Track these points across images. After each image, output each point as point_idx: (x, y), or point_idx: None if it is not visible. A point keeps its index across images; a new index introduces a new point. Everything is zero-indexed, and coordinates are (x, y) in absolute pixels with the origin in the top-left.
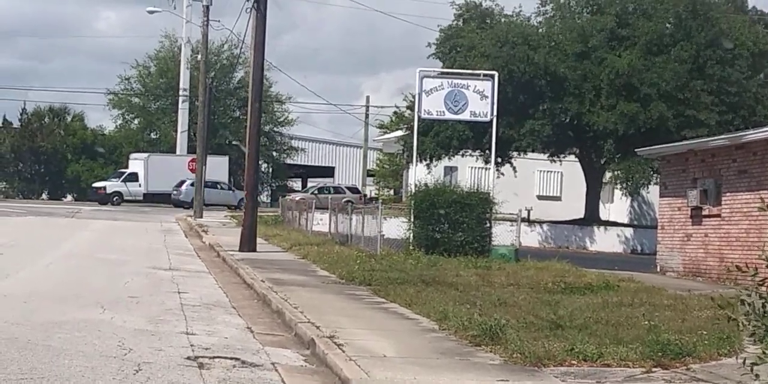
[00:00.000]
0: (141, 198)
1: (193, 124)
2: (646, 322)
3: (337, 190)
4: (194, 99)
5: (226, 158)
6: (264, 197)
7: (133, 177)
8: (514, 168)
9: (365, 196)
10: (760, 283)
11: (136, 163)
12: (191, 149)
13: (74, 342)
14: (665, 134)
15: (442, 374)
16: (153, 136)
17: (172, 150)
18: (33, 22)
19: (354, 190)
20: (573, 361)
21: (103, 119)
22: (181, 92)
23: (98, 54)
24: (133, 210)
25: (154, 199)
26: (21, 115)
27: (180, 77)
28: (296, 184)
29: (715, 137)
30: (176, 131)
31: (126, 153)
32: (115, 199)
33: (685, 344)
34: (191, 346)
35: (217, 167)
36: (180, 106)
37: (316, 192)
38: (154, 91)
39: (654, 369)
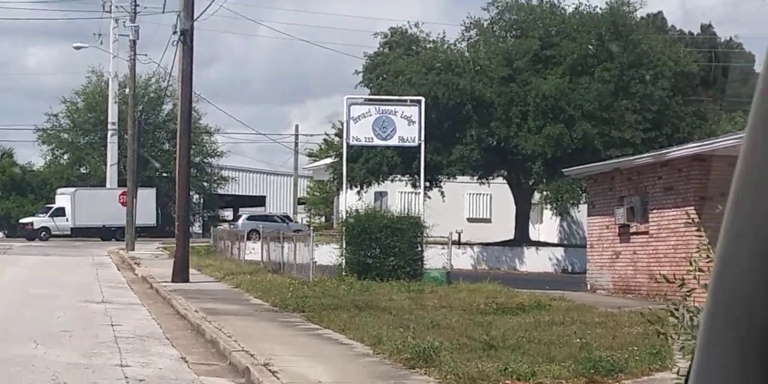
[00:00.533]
0: (69, 232)
1: (123, 158)
2: (578, 340)
3: (270, 218)
4: (123, 133)
5: (153, 190)
6: (196, 228)
7: (60, 212)
8: (442, 193)
9: (296, 223)
10: (688, 294)
11: (62, 198)
12: (122, 182)
13: (8, 378)
14: (592, 154)
15: None
16: (83, 170)
17: (102, 184)
18: None
19: (285, 218)
20: (507, 381)
21: (33, 156)
22: (109, 126)
23: (27, 91)
24: (63, 245)
25: (81, 233)
26: None
27: (108, 112)
28: (228, 213)
29: (640, 155)
30: (106, 165)
31: (56, 188)
32: (42, 234)
33: (617, 360)
34: (126, 378)
35: (145, 199)
36: (109, 140)
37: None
38: (83, 126)
39: None
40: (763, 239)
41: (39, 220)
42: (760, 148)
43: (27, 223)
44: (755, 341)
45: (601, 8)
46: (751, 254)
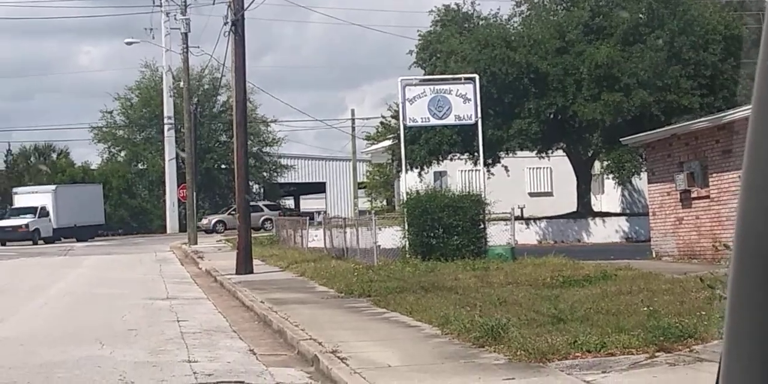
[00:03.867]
0: (51, 234)
1: (181, 151)
2: (646, 308)
3: (255, 208)
4: (179, 126)
5: (100, 186)
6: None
7: (44, 212)
8: (505, 168)
9: (284, 210)
10: None
11: (36, 197)
12: (181, 177)
13: (74, 380)
14: (650, 122)
15: (449, 378)
16: (140, 166)
17: (160, 179)
18: (13, 63)
19: (273, 206)
20: (577, 354)
21: (90, 154)
22: (165, 120)
23: (81, 89)
24: (125, 242)
25: (63, 233)
26: (6, 156)
27: (164, 106)
28: (289, 202)
29: (697, 120)
30: (164, 160)
31: (116, 186)
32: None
33: (685, 327)
34: (194, 373)
35: (90, 196)
36: (166, 134)
37: (233, 212)
38: (138, 122)
39: (657, 353)
40: None
41: (33, 222)
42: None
43: (20, 226)
44: None
45: None
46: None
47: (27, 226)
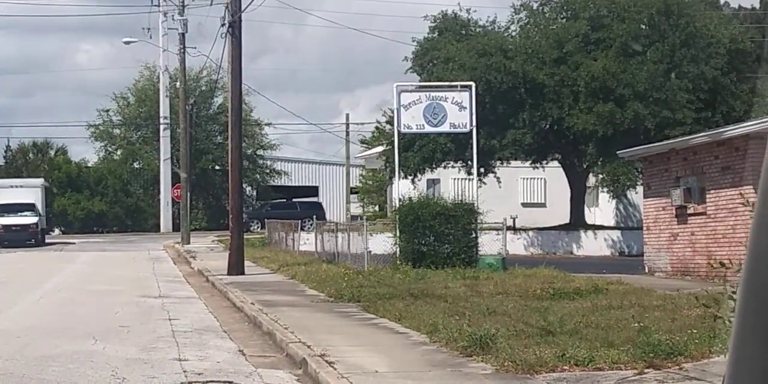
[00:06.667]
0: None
1: (176, 152)
2: (636, 324)
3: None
4: (175, 126)
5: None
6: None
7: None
8: (498, 178)
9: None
10: None
11: (20, 192)
12: (175, 176)
13: (68, 374)
14: (645, 135)
15: None
16: (136, 165)
17: (155, 178)
18: (14, 60)
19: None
20: (565, 367)
21: (87, 152)
22: (161, 120)
23: (79, 87)
24: (119, 240)
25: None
26: (5, 152)
27: (160, 106)
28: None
29: (696, 135)
30: (159, 160)
31: (111, 184)
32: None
33: (676, 344)
34: (184, 372)
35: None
36: (161, 134)
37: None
38: (135, 121)
39: (646, 370)
40: None
41: (39, 220)
42: None
43: (30, 224)
44: None
45: None
46: None
47: (36, 225)
